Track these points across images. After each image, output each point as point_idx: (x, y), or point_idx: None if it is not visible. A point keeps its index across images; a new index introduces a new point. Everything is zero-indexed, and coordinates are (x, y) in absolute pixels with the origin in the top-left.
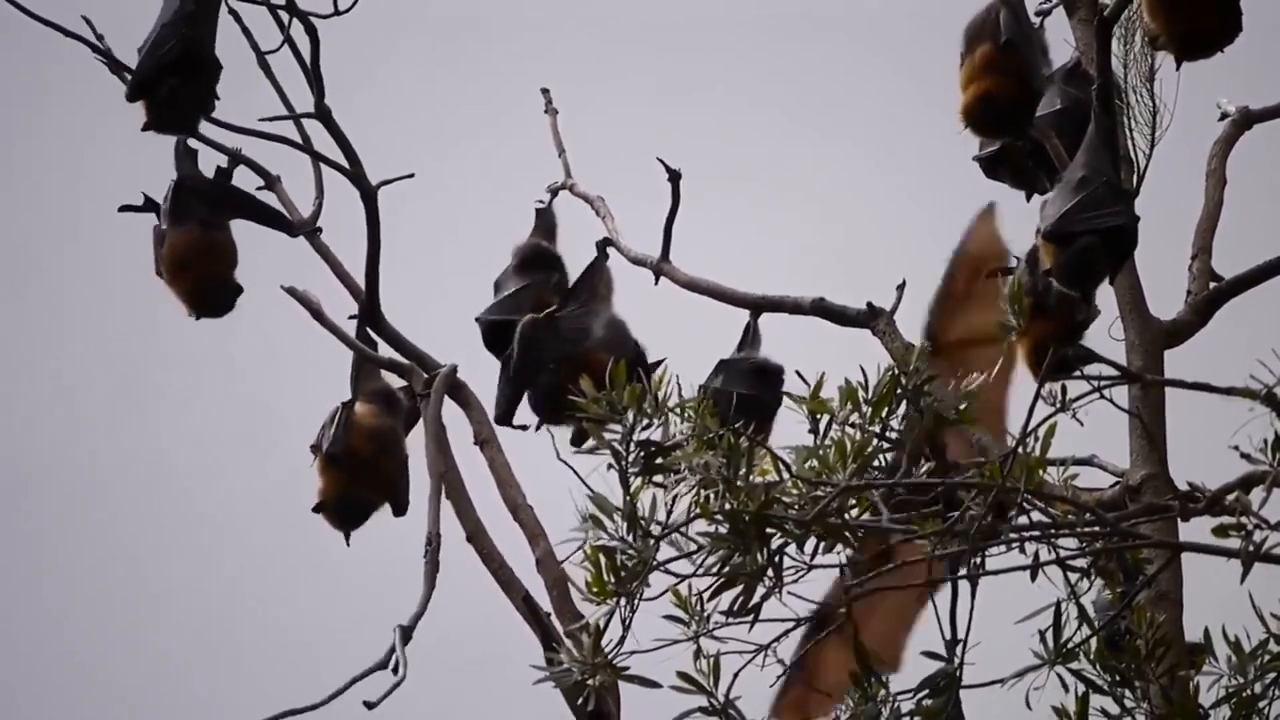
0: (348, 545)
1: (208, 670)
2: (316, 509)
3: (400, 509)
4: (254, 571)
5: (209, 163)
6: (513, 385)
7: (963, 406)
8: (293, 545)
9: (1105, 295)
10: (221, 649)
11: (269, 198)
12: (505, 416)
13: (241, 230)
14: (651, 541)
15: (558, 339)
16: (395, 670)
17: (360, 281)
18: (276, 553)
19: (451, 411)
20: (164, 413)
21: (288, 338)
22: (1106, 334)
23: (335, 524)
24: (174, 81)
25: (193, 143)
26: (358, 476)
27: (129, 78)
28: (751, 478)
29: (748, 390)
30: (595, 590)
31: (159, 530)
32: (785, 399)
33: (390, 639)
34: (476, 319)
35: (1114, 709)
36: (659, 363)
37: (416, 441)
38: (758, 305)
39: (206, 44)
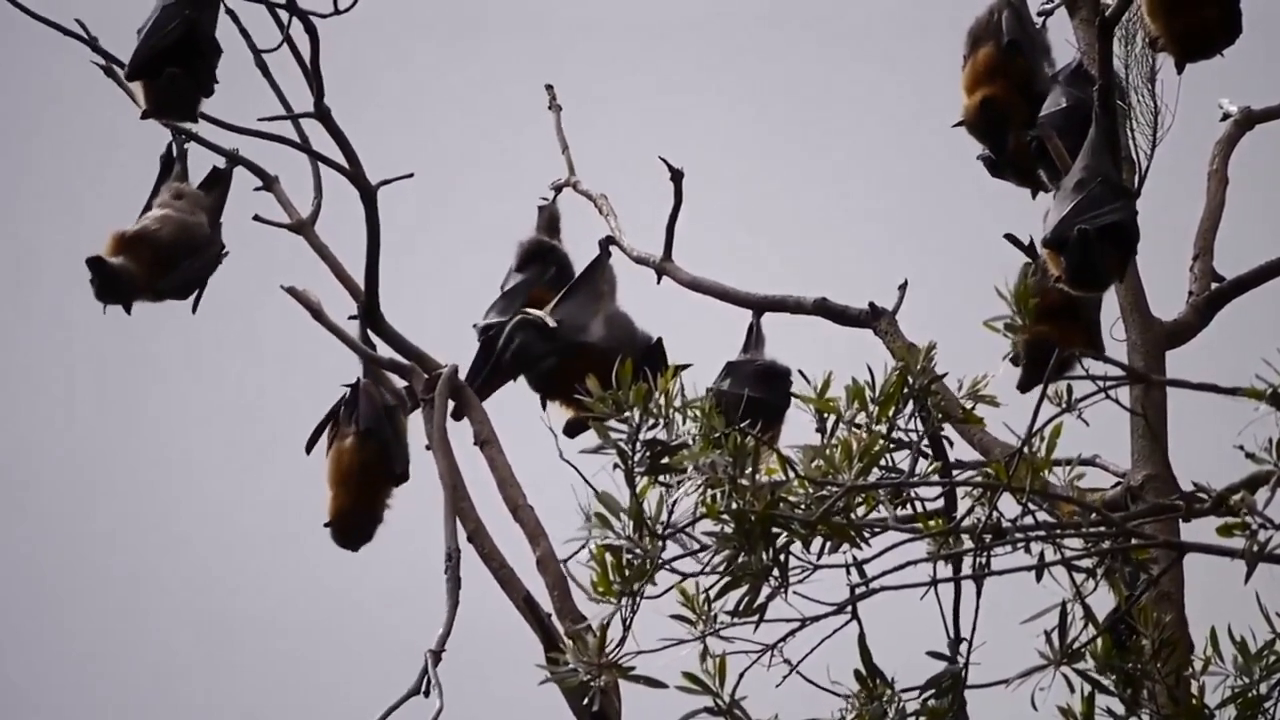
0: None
1: (205, 674)
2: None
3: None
4: (252, 572)
5: (206, 162)
6: (493, 373)
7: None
8: (292, 546)
9: (1107, 296)
10: (219, 650)
11: (268, 198)
12: (480, 390)
13: (241, 230)
14: (658, 541)
15: (550, 338)
16: (427, 694)
17: (360, 281)
18: (275, 554)
19: None
20: (163, 411)
21: (288, 337)
22: (1108, 335)
23: (351, 540)
24: (174, 69)
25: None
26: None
27: (127, 62)
28: (757, 477)
29: (755, 392)
30: (601, 589)
31: (157, 531)
32: (794, 400)
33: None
34: (474, 326)
35: (1120, 709)
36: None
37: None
38: (760, 305)
39: (207, 27)
